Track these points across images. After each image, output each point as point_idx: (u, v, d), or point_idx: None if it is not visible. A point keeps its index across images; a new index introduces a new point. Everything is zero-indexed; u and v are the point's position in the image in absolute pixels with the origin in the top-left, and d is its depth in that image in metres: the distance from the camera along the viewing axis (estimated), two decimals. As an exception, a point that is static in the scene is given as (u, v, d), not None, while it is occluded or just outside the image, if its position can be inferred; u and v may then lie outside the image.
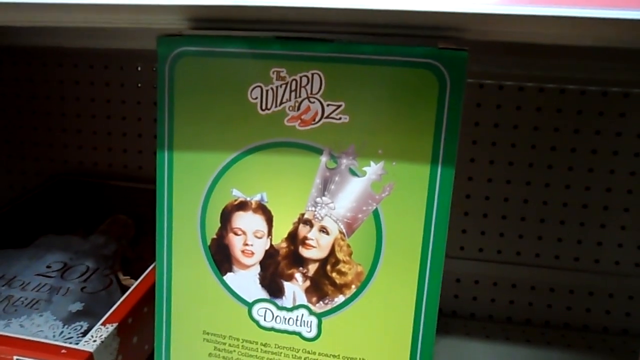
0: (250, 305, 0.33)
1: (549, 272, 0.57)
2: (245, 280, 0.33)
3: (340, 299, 0.32)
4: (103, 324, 0.41)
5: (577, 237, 0.55)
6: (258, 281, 0.32)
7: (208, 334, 0.34)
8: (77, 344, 0.39)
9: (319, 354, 0.33)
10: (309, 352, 0.33)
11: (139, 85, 0.60)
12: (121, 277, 0.47)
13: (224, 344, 0.34)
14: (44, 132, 0.64)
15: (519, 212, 0.55)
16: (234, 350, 0.34)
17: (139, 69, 0.59)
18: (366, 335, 0.32)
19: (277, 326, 0.33)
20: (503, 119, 0.53)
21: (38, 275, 0.47)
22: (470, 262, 0.58)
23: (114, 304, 0.44)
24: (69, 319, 0.42)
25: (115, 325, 0.41)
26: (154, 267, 0.36)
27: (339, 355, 0.33)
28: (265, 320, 0.33)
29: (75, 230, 0.53)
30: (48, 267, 0.48)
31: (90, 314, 0.42)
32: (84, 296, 0.44)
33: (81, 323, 0.41)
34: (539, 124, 0.52)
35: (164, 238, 0.33)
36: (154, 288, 0.36)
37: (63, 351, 0.38)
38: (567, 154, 0.53)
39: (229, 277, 0.33)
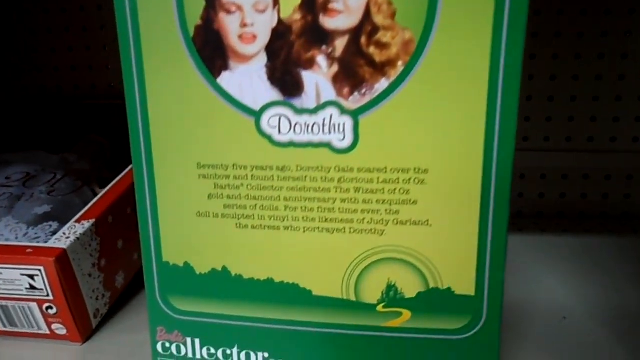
0: (258, 115, 0.24)
1: (626, 156, 0.49)
2: (248, 79, 0.23)
3: (382, 84, 0.22)
4: (78, 220, 0.34)
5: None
6: (266, 77, 0.23)
7: (204, 166, 0.25)
8: (46, 242, 0.31)
9: (358, 170, 0.23)
10: (344, 170, 0.24)
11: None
12: (97, 190, 0.39)
13: (227, 177, 0.25)
14: None
15: (590, 91, 0.47)
16: (242, 185, 0.25)
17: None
18: (422, 135, 0.22)
19: (297, 139, 0.24)
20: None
21: (-5, 187, 0.39)
22: (536, 153, 0.50)
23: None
24: (35, 221, 0.35)
25: (92, 221, 0.34)
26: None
27: (385, 169, 0.23)
28: (280, 132, 0.24)
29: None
30: (7, 178, 0.41)
31: (60, 218, 0.35)
32: (52, 199, 0.37)
33: (50, 223, 0.34)
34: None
35: (129, 43, 0.24)
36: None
37: (29, 250, 0.32)
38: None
39: (224, 78, 0.24)
